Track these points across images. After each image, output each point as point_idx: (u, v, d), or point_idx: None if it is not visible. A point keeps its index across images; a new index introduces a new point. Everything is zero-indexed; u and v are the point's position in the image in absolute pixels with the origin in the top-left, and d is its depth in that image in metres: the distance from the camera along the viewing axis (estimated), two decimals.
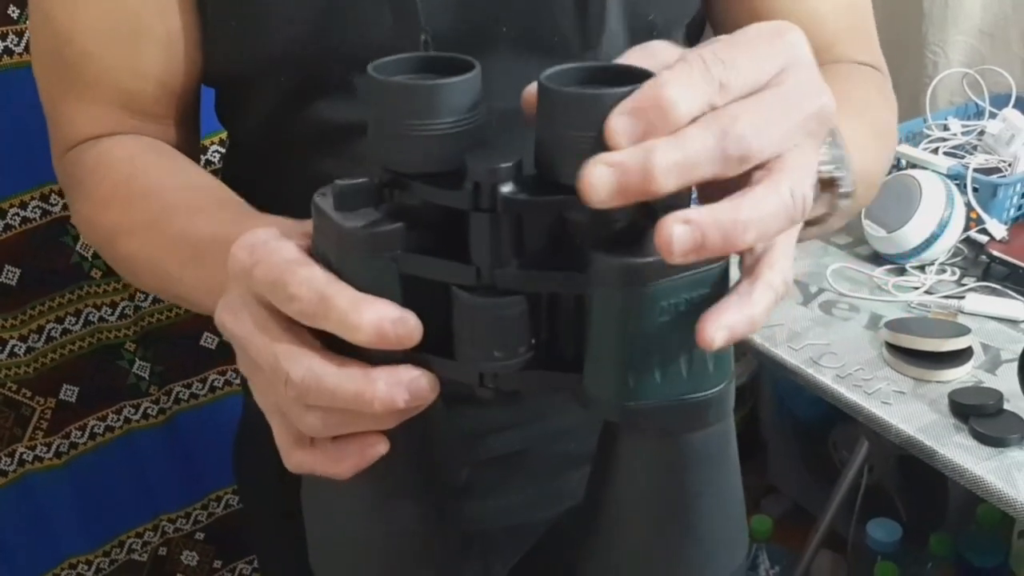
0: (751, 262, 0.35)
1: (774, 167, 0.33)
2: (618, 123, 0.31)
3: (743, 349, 1.09)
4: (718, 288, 0.34)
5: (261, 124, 0.59)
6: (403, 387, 0.34)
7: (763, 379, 1.71)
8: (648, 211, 0.34)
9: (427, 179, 0.34)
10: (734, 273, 0.35)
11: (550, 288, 0.35)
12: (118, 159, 0.57)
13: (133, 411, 1.21)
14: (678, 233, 0.30)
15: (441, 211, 0.34)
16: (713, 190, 0.33)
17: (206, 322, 1.18)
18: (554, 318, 0.35)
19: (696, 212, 0.31)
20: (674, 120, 0.31)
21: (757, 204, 0.32)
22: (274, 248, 0.36)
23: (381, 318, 0.33)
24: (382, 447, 0.36)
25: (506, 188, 0.33)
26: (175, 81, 0.58)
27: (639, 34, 0.55)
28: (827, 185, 0.42)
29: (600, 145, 0.32)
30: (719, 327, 0.32)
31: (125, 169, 0.57)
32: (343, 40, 0.54)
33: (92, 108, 0.58)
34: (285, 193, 0.47)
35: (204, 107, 0.64)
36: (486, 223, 0.33)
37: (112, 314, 1.15)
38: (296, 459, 0.38)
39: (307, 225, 0.37)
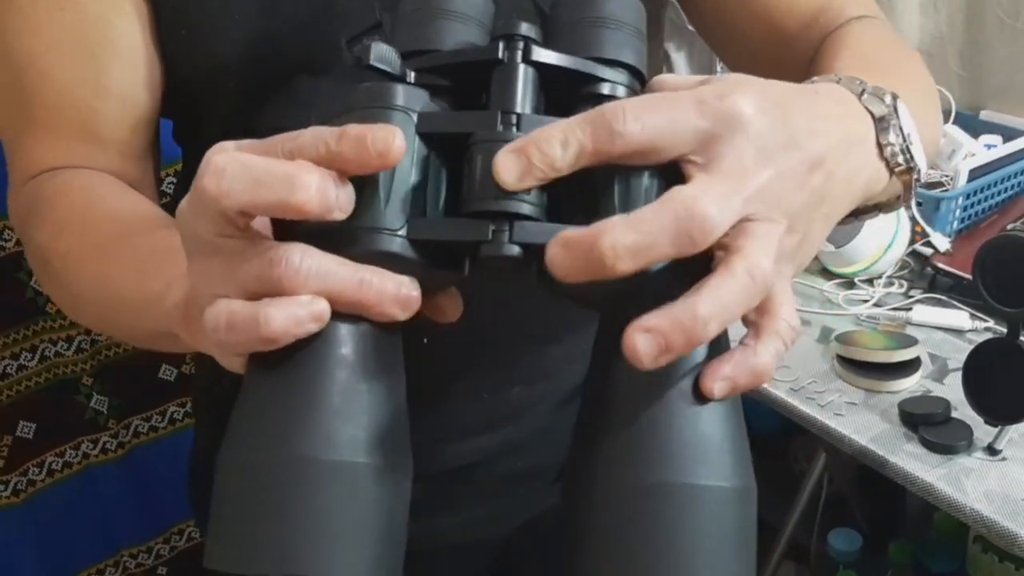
0: (753, 316, 0.35)
1: (731, 247, 0.33)
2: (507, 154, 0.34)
3: None
4: None
5: (210, 137, 0.59)
6: (394, 284, 0.35)
7: None
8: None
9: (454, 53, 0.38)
10: None
11: None
12: (77, 188, 0.57)
13: (91, 446, 1.20)
14: (642, 344, 0.31)
15: (445, 87, 0.37)
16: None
17: (164, 354, 1.18)
18: (564, 193, 0.36)
19: (656, 318, 0.32)
20: (552, 167, 0.34)
21: (714, 296, 0.32)
22: (243, 148, 0.36)
23: (363, 129, 0.33)
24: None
25: (536, 48, 0.37)
26: (136, 98, 0.58)
27: None
28: (902, 173, 0.42)
29: (599, 24, 0.38)
30: (717, 379, 0.33)
31: (82, 197, 0.56)
32: (284, 41, 0.54)
33: (51, 139, 0.58)
34: None
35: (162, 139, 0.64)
36: (515, 72, 0.37)
37: (68, 348, 1.14)
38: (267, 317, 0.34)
39: None
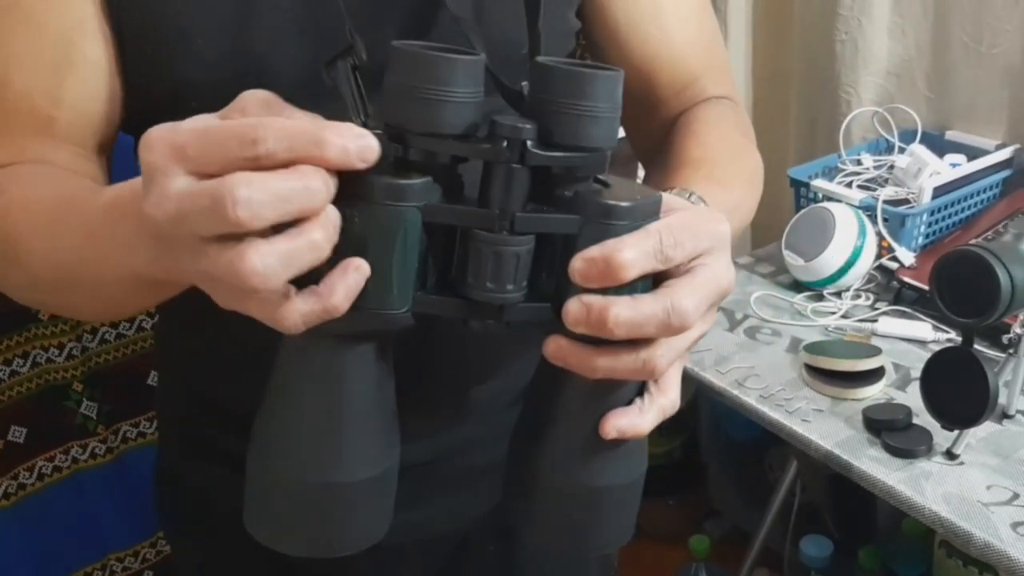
0: (651, 386, 0.46)
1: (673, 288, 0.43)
2: (578, 264, 0.41)
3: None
4: None
5: None
6: (354, 139, 0.38)
7: (701, 405, 1.77)
8: (607, 184, 0.44)
9: (453, 138, 0.41)
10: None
11: (555, 228, 0.42)
12: (27, 173, 0.57)
13: (81, 451, 1.22)
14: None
15: (440, 168, 0.41)
16: None
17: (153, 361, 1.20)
18: (540, 265, 0.43)
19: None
20: (621, 276, 0.41)
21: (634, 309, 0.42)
22: (194, 123, 0.39)
23: (344, 133, 0.37)
24: (365, 267, 0.39)
25: (530, 144, 0.41)
26: (92, 111, 0.58)
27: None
28: None
29: (588, 113, 0.41)
30: (613, 427, 0.45)
31: (27, 182, 0.57)
32: (256, 62, 0.56)
33: (7, 139, 0.58)
34: None
35: (125, 157, 0.63)
36: (508, 174, 0.41)
37: (59, 355, 1.17)
38: (293, 312, 0.39)
39: None
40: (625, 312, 0.41)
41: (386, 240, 0.40)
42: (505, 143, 0.40)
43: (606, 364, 0.43)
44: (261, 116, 0.40)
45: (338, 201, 0.39)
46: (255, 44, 0.56)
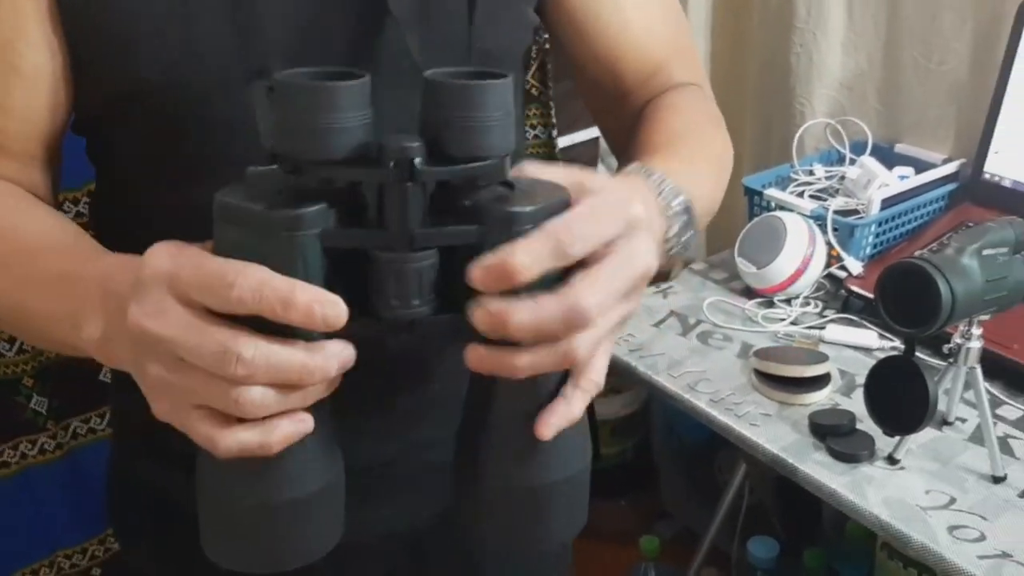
0: (574, 371, 0.46)
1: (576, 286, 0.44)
2: (476, 273, 0.41)
3: (632, 379, 1.16)
4: None
5: (131, 159, 0.61)
6: (335, 357, 0.42)
7: (653, 408, 1.79)
8: (511, 186, 0.44)
9: (343, 163, 0.41)
10: None
11: (456, 240, 0.43)
12: None
13: (30, 446, 1.21)
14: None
15: (338, 192, 0.42)
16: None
17: None
18: (450, 275, 0.44)
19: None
20: (519, 281, 0.41)
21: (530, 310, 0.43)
22: (193, 251, 0.42)
23: (312, 300, 0.40)
24: (309, 422, 0.43)
25: (418, 161, 0.41)
26: (38, 118, 0.58)
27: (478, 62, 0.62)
28: (674, 261, 0.53)
29: (478, 124, 0.42)
30: (548, 426, 0.45)
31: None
32: (201, 65, 0.56)
33: None
34: (157, 228, 0.50)
35: (78, 158, 0.64)
36: (402, 192, 0.42)
37: (10, 349, 1.15)
38: (231, 438, 0.42)
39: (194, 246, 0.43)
40: (527, 316, 0.42)
41: (287, 268, 0.40)
42: (393, 163, 0.41)
43: (527, 363, 0.43)
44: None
45: (236, 229, 0.41)
46: (195, 45, 0.56)
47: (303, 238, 0.41)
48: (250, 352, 0.40)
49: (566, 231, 0.42)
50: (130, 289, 0.43)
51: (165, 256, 0.42)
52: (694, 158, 0.62)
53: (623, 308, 0.46)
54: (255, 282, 0.40)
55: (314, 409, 0.44)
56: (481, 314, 0.42)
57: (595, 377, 0.47)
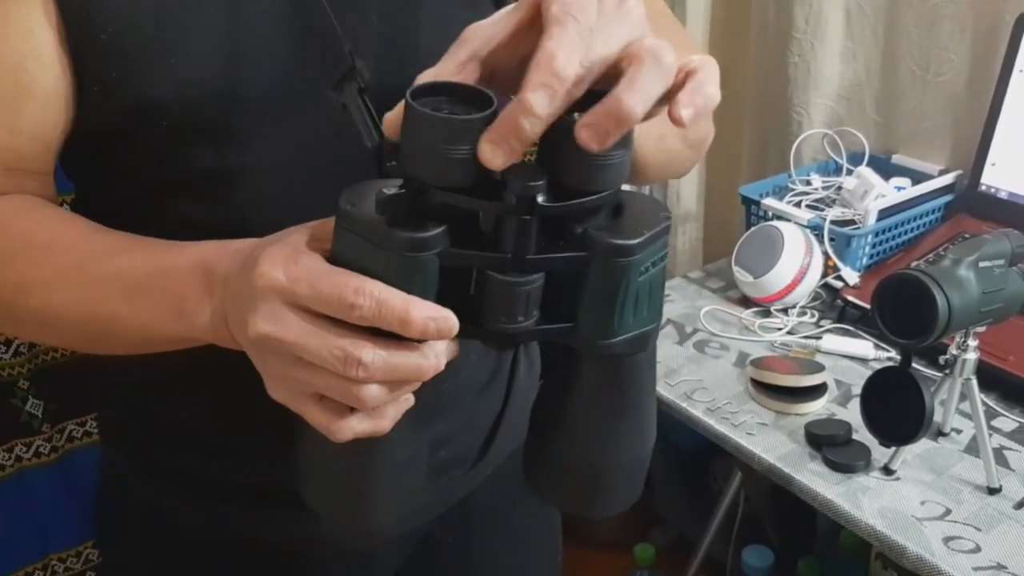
0: (681, 77, 0.43)
1: (635, 53, 0.41)
2: (528, 97, 0.39)
3: None
4: (666, 251, 0.47)
5: (129, 172, 0.60)
6: (444, 356, 0.45)
7: None
8: (619, 208, 0.46)
9: (463, 191, 0.43)
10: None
11: (565, 266, 0.44)
12: (7, 213, 0.57)
13: (25, 449, 1.20)
14: (585, 135, 0.39)
15: (459, 211, 0.43)
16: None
17: None
18: (549, 287, 0.45)
19: (592, 116, 0.40)
20: (566, 77, 0.39)
21: (636, 86, 0.40)
22: (307, 263, 0.43)
23: (427, 317, 0.42)
24: (411, 400, 0.46)
25: (540, 198, 0.43)
26: (48, 137, 0.58)
27: None
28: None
29: (601, 162, 0.42)
30: (683, 107, 0.41)
31: (20, 224, 0.57)
32: (250, 82, 0.56)
33: None
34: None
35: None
36: (520, 223, 0.43)
37: (6, 352, 1.15)
38: (348, 429, 0.45)
39: (300, 240, 0.45)
40: (639, 106, 0.40)
41: (405, 285, 0.43)
42: (516, 199, 0.42)
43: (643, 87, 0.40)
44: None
45: (357, 240, 0.43)
46: (238, 60, 0.56)
47: (424, 259, 0.43)
48: (369, 357, 0.42)
49: (665, 62, 0.41)
50: (242, 285, 0.45)
51: (279, 267, 0.43)
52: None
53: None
54: (373, 302, 0.42)
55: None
56: (592, 119, 0.39)
57: (709, 80, 0.43)
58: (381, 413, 0.45)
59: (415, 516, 0.72)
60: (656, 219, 0.45)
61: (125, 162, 0.60)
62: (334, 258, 0.44)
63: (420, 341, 0.43)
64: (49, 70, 0.56)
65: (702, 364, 1.16)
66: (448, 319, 0.43)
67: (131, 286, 0.52)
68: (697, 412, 1.07)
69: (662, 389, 1.11)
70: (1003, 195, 1.28)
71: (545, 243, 0.44)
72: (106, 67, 0.56)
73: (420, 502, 0.53)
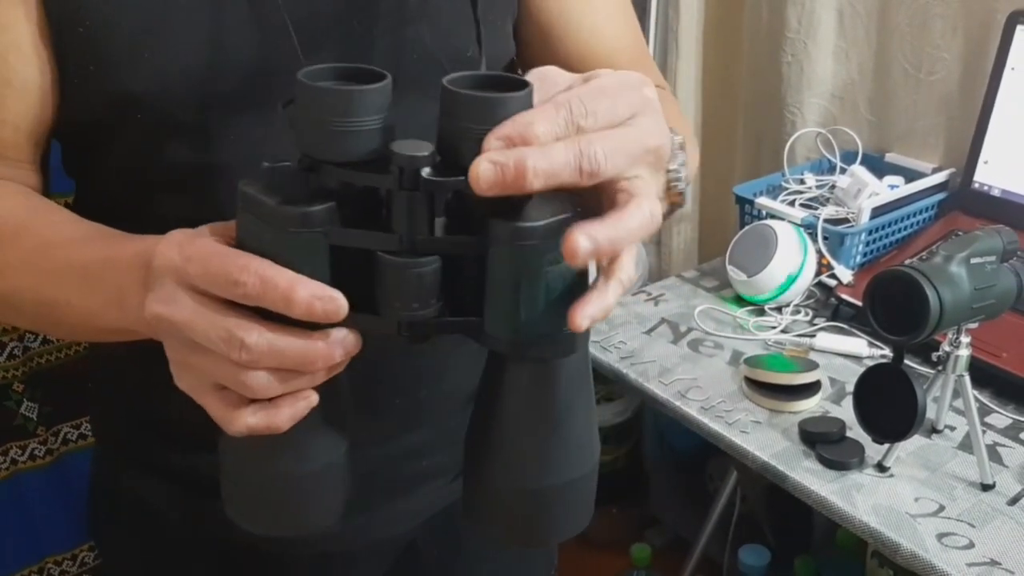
0: (607, 265, 0.44)
1: (633, 191, 0.42)
2: (492, 143, 0.40)
3: (623, 386, 1.17)
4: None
5: (115, 169, 0.61)
6: (338, 345, 0.42)
7: (645, 416, 1.79)
8: (527, 197, 0.43)
9: (353, 166, 0.42)
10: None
11: (458, 250, 0.43)
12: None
13: (20, 452, 1.20)
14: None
15: (356, 190, 0.43)
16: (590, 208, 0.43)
17: None
18: (455, 278, 0.44)
19: (591, 227, 0.41)
20: (533, 144, 0.39)
21: (626, 221, 0.42)
22: (201, 244, 0.43)
23: (312, 296, 0.41)
24: (313, 398, 0.44)
25: (425, 171, 0.41)
26: (30, 127, 0.59)
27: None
28: (673, 196, 0.52)
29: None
30: (584, 316, 0.42)
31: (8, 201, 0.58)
32: (226, 79, 0.57)
33: None
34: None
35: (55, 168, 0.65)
36: (408, 199, 0.42)
37: (0, 355, 1.15)
38: (241, 421, 0.43)
39: (205, 229, 0.44)
40: (540, 160, 0.39)
41: (293, 263, 0.41)
42: (399, 171, 0.41)
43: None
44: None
45: (253, 219, 0.42)
46: (215, 56, 0.56)
47: (308, 235, 0.42)
48: (254, 339, 0.41)
49: (579, 104, 0.41)
50: (145, 277, 0.45)
51: (175, 248, 0.43)
52: (676, 123, 0.61)
53: (637, 170, 0.44)
54: (257, 279, 0.41)
55: (322, 390, 0.45)
56: (488, 167, 0.39)
57: (628, 269, 0.44)
58: (276, 406, 0.43)
59: (394, 524, 0.72)
60: (564, 210, 0.43)
61: (111, 156, 0.60)
62: (238, 242, 0.43)
63: (316, 328, 0.42)
64: (30, 62, 0.57)
65: (696, 363, 1.16)
66: (335, 299, 0.41)
67: (82, 275, 0.52)
68: (692, 411, 1.07)
69: (656, 388, 1.11)
70: (996, 193, 1.28)
71: (449, 226, 0.43)
72: (85, 60, 0.56)
73: (341, 511, 0.51)
